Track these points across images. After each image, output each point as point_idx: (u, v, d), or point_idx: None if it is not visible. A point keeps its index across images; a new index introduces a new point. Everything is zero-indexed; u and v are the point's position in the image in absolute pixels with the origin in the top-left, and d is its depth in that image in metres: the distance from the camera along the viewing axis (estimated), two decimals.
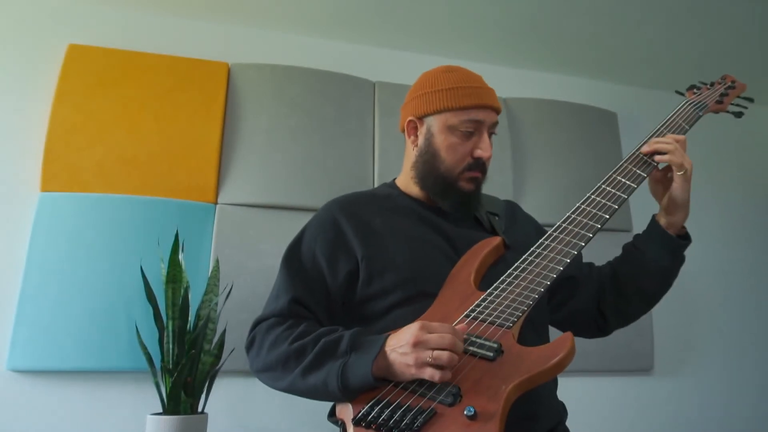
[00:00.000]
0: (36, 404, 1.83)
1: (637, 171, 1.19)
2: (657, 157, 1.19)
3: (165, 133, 2.13)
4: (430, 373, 0.89)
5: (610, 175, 1.20)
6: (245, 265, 2.05)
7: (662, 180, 1.22)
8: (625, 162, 1.21)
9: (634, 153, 1.23)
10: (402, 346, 0.92)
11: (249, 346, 1.15)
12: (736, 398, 2.57)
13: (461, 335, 0.93)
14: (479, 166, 1.24)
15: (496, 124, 1.27)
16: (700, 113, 1.34)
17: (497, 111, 1.27)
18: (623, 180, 1.18)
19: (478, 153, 1.22)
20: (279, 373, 1.07)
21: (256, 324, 1.17)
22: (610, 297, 1.26)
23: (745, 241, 2.84)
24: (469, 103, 1.22)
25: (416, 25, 2.44)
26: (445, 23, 2.43)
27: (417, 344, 0.90)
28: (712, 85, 1.45)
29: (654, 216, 1.23)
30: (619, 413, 2.38)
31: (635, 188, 1.17)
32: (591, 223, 1.12)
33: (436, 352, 0.89)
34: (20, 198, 1.98)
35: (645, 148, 1.21)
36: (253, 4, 2.29)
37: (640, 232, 1.26)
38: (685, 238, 1.21)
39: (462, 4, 2.31)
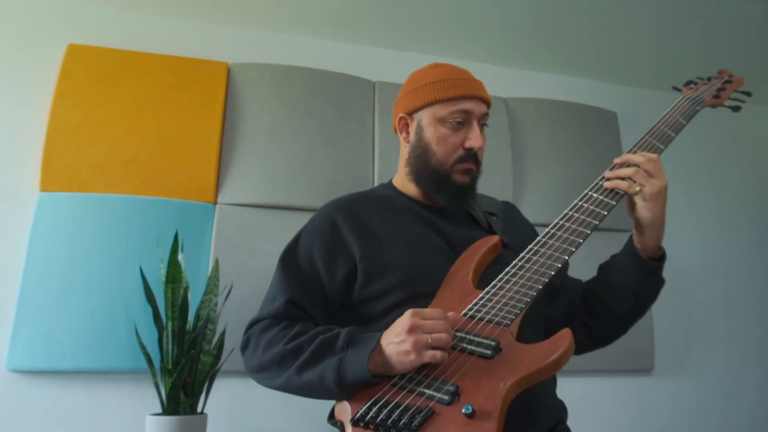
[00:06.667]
0: (35, 404, 1.83)
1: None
2: (608, 184, 1.14)
3: (165, 133, 2.13)
4: (431, 355, 0.89)
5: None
6: (245, 265, 2.05)
7: (628, 200, 1.16)
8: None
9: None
10: (397, 335, 0.92)
11: (244, 346, 1.16)
12: (736, 398, 2.57)
13: (452, 321, 0.94)
14: (471, 156, 1.24)
15: (486, 115, 1.26)
16: (697, 108, 1.32)
17: (486, 102, 1.26)
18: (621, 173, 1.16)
19: (469, 143, 1.22)
20: (274, 372, 1.07)
21: (251, 325, 1.17)
22: (579, 313, 1.24)
23: (745, 241, 2.84)
24: (456, 94, 1.22)
25: (416, 25, 2.44)
26: (445, 23, 2.43)
27: (412, 330, 0.91)
28: (708, 80, 1.43)
29: (630, 235, 1.19)
30: (619, 413, 2.38)
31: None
32: (589, 219, 1.11)
33: (435, 334, 0.90)
34: (20, 198, 1.98)
35: (607, 184, 1.15)
36: (253, 5, 2.29)
37: None
38: (659, 260, 1.16)
39: (462, 4, 2.30)
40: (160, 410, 1.68)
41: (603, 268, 1.24)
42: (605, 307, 1.21)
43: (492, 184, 2.37)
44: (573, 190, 2.42)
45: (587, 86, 2.84)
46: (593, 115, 2.68)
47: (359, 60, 2.51)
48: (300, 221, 1.38)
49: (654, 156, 1.14)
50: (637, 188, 1.10)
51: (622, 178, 1.14)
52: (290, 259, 1.22)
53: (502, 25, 2.44)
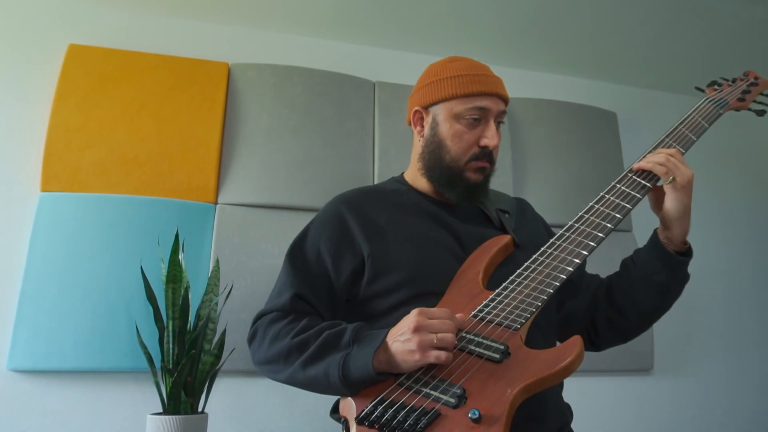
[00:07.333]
0: (36, 404, 1.82)
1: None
2: (643, 165, 1.14)
3: (165, 133, 2.12)
4: (435, 355, 0.89)
5: (624, 175, 1.17)
6: (245, 265, 2.04)
7: (655, 192, 1.16)
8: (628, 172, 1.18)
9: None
10: (403, 334, 0.91)
11: (251, 339, 1.15)
12: (736, 398, 2.57)
13: (459, 321, 0.94)
14: (486, 155, 1.21)
15: (503, 112, 1.24)
16: (721, 111, 1.28)
17: (504, 100, 1.24)
18: (637, 179, 1.15)
19: (485, 141, 1.20)
20: (280, 366, 1.06)
21: (258, 317, 1.16)
22: (603, 309, 1.22)
23: (745, 241, 2.84)
24: (475, 90, 1.20)
25: (416, 25, 2.44)
26: (446, 23, 2.43)
27: (418, 329, 0.90)
28: (733, 81, 1.38)
29: (655, 230, 1.17)
30: (619, 413, 2.38)
31: (650, 187, 1.14)
32: (603, 223, 1.09)
33: (440, 334, 0.89)
34: (20, 198, 1.98)
35: (635, 165, 1.16)
36: (253, 5, 2.29)
37: (640, 231, 1.24)
38: (685, 254, 1.14)
39: (462, 3, 2.30)
40: (160, 410, 1.67)
41: (626, 263, 1.21)
42: (630, 302, 1.19)
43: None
44: (572, 190, 2.46)
45: (587, 86, 2.84)
46: (593, 115, 2.69)
47: (359, 60, 2.51)
48: (300, 221, 1.37)
49: (671, 150, 1.14)
50: (671, 177, 1.09)
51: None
52: (297, 253, 1.21)
53: (502, 25, 2.44)
